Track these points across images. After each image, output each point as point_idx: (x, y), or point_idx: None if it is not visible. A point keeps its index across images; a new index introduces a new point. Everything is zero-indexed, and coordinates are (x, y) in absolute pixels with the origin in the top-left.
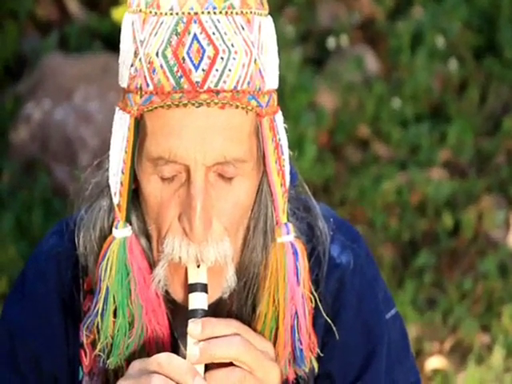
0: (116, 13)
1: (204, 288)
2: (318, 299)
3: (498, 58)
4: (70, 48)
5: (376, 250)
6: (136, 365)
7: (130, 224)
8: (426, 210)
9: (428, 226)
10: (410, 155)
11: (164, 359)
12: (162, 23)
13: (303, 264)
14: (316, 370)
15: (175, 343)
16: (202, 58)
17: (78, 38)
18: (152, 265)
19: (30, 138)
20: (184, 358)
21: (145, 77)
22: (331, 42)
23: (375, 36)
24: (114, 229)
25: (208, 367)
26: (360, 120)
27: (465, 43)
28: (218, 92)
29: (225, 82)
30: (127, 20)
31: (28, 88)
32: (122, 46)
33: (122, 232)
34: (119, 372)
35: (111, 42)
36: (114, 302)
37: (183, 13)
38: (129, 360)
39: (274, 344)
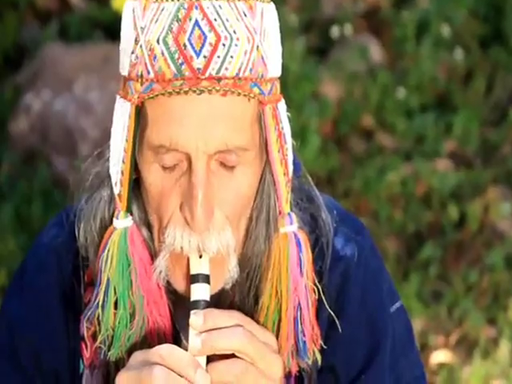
0: (116, 2)
1: (206, 279)
2: (321, 291)
3: (504, 47)
4: (70, 37)
5: (380, 242)
6: (138, 356)
7: (131, 214)
8: (431, 201)
9: (433, 218)
10: (415, 146)
11: (166, 351)
12: (162, 9)
13: (306, 255)
14: (319, 362)
15: (177, 334)
16: (203, 45)
17: (79, 28)
18: (153, 255)
19: (29, 129)
20: (186, 349)
21: (145, 64)
22: (335, 31)
23: (380, 25)
24: (114, 219)
25: (210, 359)
26: (364, 110)
27: (471, 32)
28: (219, 79)
29: (226, 68)
30: (128, 7)
31: (28, 78)
32: (122, 33)
33: (123, 222)
34: (120, 364)
35: (112, 31)
36: (115, 293)
37: None
38: (130, 352)
39: (277, 336)
